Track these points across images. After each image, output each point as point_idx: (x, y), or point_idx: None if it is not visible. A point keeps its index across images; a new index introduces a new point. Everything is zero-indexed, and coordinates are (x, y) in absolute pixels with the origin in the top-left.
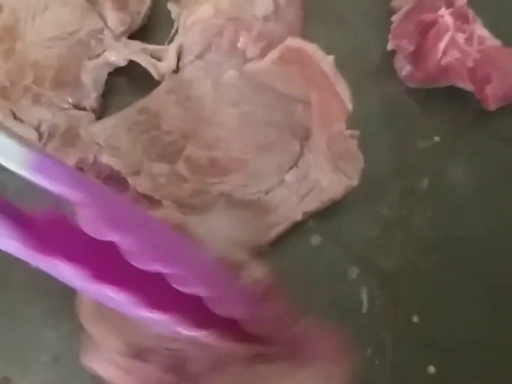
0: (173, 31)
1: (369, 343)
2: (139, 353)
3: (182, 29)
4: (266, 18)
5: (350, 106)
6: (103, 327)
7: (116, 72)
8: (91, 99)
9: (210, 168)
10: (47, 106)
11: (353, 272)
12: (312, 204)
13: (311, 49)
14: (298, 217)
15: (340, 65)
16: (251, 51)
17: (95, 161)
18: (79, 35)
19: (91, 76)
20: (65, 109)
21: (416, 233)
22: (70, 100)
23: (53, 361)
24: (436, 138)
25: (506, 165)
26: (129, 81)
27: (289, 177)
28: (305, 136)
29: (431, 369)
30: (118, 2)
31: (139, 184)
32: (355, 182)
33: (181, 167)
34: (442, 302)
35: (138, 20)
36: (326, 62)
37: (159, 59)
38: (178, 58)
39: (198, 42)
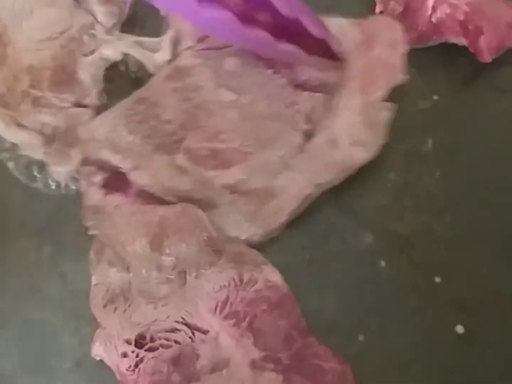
0: (165, 24)
1: (393, 310)
2: (146, 344)
3: (174, 20)
4: None
5: (404, 76)
6: (113, 318)
7: (114, 67)
8: (92, 96)
9: (212, 160)
10: (48, 108)
11: (368, 240)
12: (325, 176)
13: (388, 18)
14: (309, 190)
15: None
16: None
17: (97, 158)
18: (71, 33)
19: (88, 72)
20: (66, 108)
21: (427, 195)
22: (70, 99)
23: (76, 367)
24: (435, 97)
25: (508, 116)
26: (127, 75)
27: (296, 161)
28: (310, 124)
29: (460, 328)
30: None
31: (140, 179)
32: (370, 156)
33: (181, 158)
34: (462, 260)
35: (126, 9)
36: (398, 27)
37: (153, 51)
38: (174, 49)
39: None
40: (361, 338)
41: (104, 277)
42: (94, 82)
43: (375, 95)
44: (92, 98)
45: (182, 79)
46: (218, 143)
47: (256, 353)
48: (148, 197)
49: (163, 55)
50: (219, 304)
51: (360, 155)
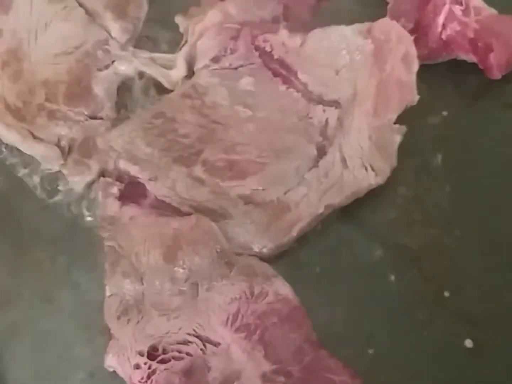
0: (182, 42)
1: (402, 323)
2: (158, 355)
3: (191, 37)
4: (275, 19)
5: (416, 97)
6: (126, 329)
7: (129, 82)
8: (106, 109)
9: (228, 171)
10: (64, 121)
11: (378, 254)
12: (335, 197)
13: (397, 26)
14: (320, 210)
15: None
16: (293, 42)
17: (115, 168)
18: (85, 48)
19: (103, 87)
20: (82, 121)
21: (436, 210)
22: (85, 112)
23: (90, 378)
24: (445, 113)
25: None
26: (143, 90)
27: (309, 176)
28: (323, 138)
29: (469, 342)
30: (117, 12)
31: (157, 189)
32: (381, 180)
33: (198, 170)
34: (471, 274)
35: (139, 26)
36: (409, 40)
37: (168, 68)
38: (189, 66)
39: (213, 46)
40: (371, 351)
41: (118, 288)
42: (108, 96)
43: (387, 117)
44: (106, 112)
45: (199, 97)
46: (235, 155)
47: (267, 366)
48: (164, 208)
49: (178, 72)
50: (230, 317)
51: (370, 180)
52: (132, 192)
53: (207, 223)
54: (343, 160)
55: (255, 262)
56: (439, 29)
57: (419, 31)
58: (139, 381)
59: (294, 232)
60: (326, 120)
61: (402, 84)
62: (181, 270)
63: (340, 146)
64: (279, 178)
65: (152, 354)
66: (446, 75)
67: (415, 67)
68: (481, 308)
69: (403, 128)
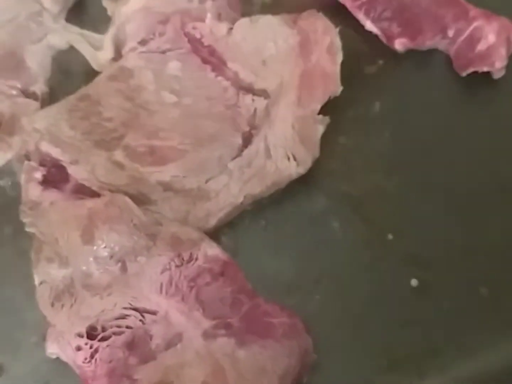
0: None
1: (348, 268)
2: (98, 334)
3: (117, 20)
4: (201, 1)
5: (339, 88)
6: (62, 315)
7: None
8: (40, 83)
9: (149, 157)
10: None
11: (321, 203)
12: (256, 187)
13: (323, 18)
14: (240, 199)
15: None
16: (220, 30)
17: (37, 150)
18: (18, 21)
19: (36, 60)
20: (14, 96)
21: (376, 156)
22: (18, 85)
23: (42, 341)
24: (381, 62)
25: (450, 77)
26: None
27: (231, 165)
28: (251, 127)
29: (414, 282)
30: None
31: (78, 173)
32: (303, 170)
33: (119, 154)
34: (413, 216)
35: None
36: (334, 31)
37: (97, 49)
38: (117, 48)
39: (141, 29)
40: (318, 296)
41: (46, 274)
42: (42, 70)
43: (310, 108)
44: (40, 85)
45: (125, 80)
46: (157, 141)
47: (207, 323)
48: (85, 193)
49: (105, 54)
50: (164, 285)
51: (292, 171)
52: (54, 176)
53: (120, 198)
54: (267, 150)
55: (177, 229)
56: None
57: None
58: (83, 362)
59: (213, 222)
60: (255, 110)
61: (326, 75)
62: (101, 249)
63: (266, 136)
64: (200, 166)
65: (91, 334)
66: None
67: (339, 58)
68: (424, 248)
69: (326, 119)
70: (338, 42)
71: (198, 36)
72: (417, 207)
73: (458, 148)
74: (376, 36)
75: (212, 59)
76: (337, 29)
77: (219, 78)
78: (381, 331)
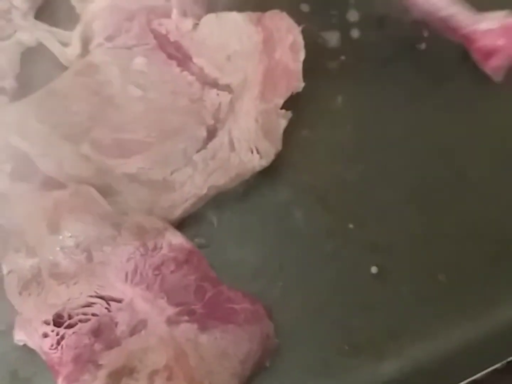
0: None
1: (310, 256)
2: (64, 322)
3: (84, 17)
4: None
5: (302, 84)
6: (29, 303)
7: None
8: (9, 79)
9: (115, 149)
10: None
11: (285, 193)
12: (220, 179)
13: (286, 17)
14: (204, 191)
15: None
16: (185, 26)
17: (6, 144)
18: None
19: (5, 56)
20: None
21: (339, 148)
22: None
23: (10, 330)
24: (343, 57)
25: (413, 70)
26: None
27: (196, 157)
28: (216, 121)
29: (374, 269)
30: None
31: (46, 166)
32: (266, 163)
33: (86, 147)
34: (373, 206)
35: None
36: (297, 30)
37: (65, 45)
38: (84, 45)
39: (107, 25)
40: (281, 283)
41: (13, 264)
42: (11, 66)
43: (273, 103)
44: (9, 81)
45: (92, 75)
46: (123, 134)
47: (170, 310)
48: (53, 185)
49: (73, 50)
50: (129, 274)
51: (255, 163)
52: (23, 169)
53: (85, 189)
54: (231, 143)
55: (142, 218)
56: None
57: None
58: (50, 349)
59: (178, 212)
60: (219, 104)
61: (289, 71)
62: (67, 238)
63: (230, 129)
64: (165, 158)
65: (58, 321)
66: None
67: (302, 55)
68: (384, 236)
69: (289, 114)
70: (300, 40)
71: (164, 32)
72: (377, 197)
73: (417, 140)
74: (339, 32)
75: (177, 54)
76: (300, 28)
77: (185, 73)
78: (342, 316)
